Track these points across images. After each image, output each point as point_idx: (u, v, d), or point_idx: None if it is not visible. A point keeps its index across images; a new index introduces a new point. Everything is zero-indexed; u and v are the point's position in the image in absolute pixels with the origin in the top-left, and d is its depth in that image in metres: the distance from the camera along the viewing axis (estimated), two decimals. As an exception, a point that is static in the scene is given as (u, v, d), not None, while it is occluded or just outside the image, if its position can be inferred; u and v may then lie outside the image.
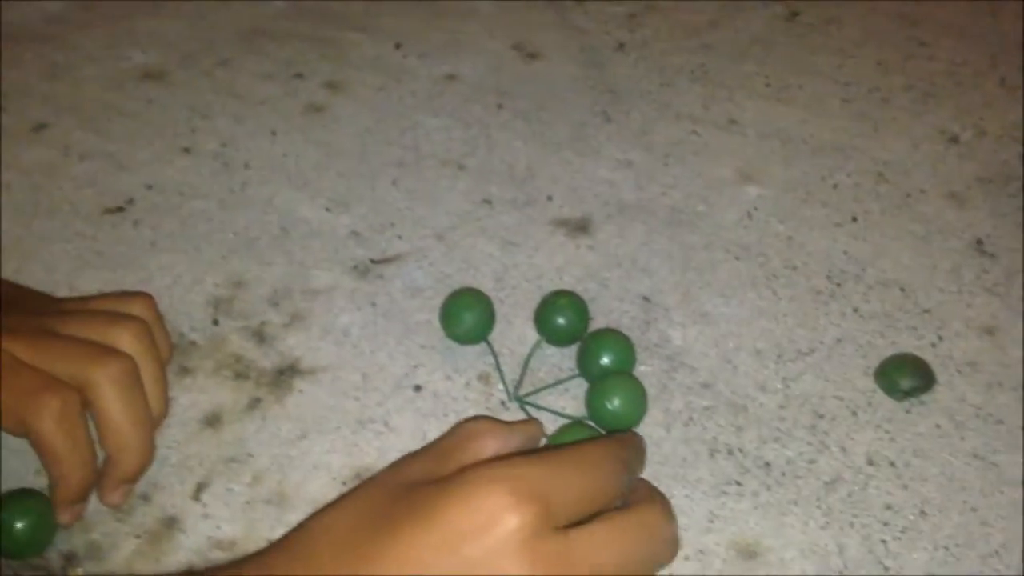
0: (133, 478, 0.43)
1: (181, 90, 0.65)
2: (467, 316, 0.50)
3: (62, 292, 0.52)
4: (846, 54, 0.70)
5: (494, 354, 0.50)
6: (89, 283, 0.53)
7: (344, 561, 0.33)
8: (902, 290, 0.54)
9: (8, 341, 0.41)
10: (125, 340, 0.43)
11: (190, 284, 0.53)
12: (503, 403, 0.48)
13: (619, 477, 0.36)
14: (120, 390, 0.42)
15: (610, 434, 0.45)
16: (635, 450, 0.39)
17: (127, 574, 0.41)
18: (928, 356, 0.50)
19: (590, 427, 0.46)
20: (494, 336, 0.51)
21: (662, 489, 0.44)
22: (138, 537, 0.42)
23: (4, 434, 0.43)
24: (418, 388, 0.49)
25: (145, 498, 0.43)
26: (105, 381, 0.41)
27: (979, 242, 0.57)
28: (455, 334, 0.50)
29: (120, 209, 0.57)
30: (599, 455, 0.36)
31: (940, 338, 0.52)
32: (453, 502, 0.32)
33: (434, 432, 0.47)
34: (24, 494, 0.42)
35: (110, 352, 0.42)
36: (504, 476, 0.33)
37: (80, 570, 0.40)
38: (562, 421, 0.47)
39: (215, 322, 0.51)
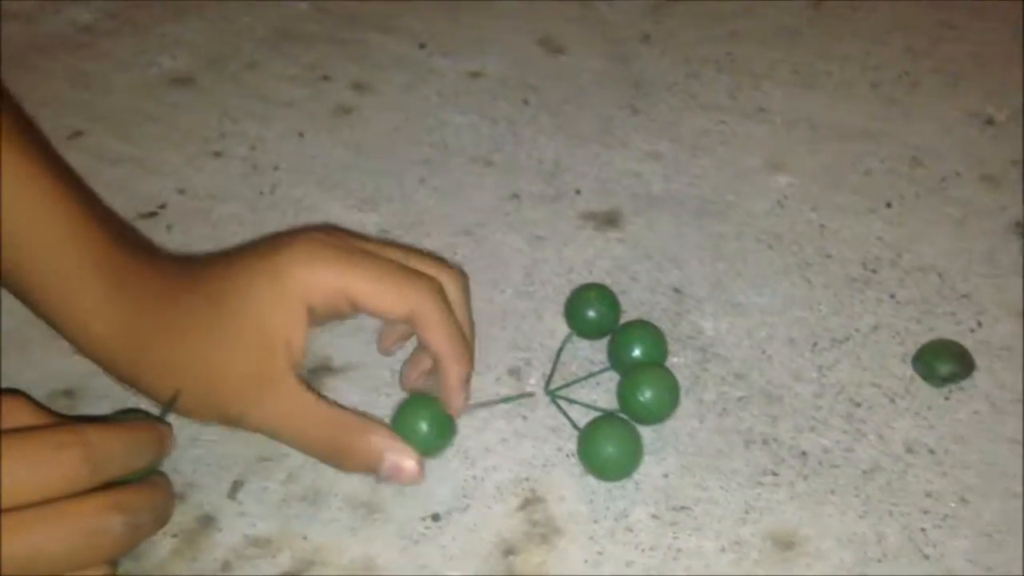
0: (469, 377, 0.45)
1: (209, 94, 0.65)
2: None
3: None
4: (874, 39, 0.69)
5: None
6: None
7: None
8: (939, 275, 0.53)
9: (361, 242, 0.45)
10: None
11: (222, 286, 0.53)
12: (533, 396, 0.48)
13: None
14: (462, 289, 0.46)
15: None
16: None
17: (164, 574, 0.41)
18: (967, 342, 0.49)
19: (622, 420, 0.45)
20: (524, 331, 0.51)
21: (696, 480, 0.44)
22: (175, 536, 0.42)
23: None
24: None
25: (181, 497, 0.44)
26: (450, 279, 0.45)
27: (1017, 225, 0.56)
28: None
29: (153, 214, 0.57)
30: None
31: (979, 323, 0.51)
32: None
33: (464, 426, 0.47)
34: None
35: (446, 263, 0.47)
36: None
37: (119, 570, 0.41)
38: (594, 414, 0.47)
39: (247, 323, 0.51)
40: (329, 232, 0.45)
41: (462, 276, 0.47)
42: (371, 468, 0.42)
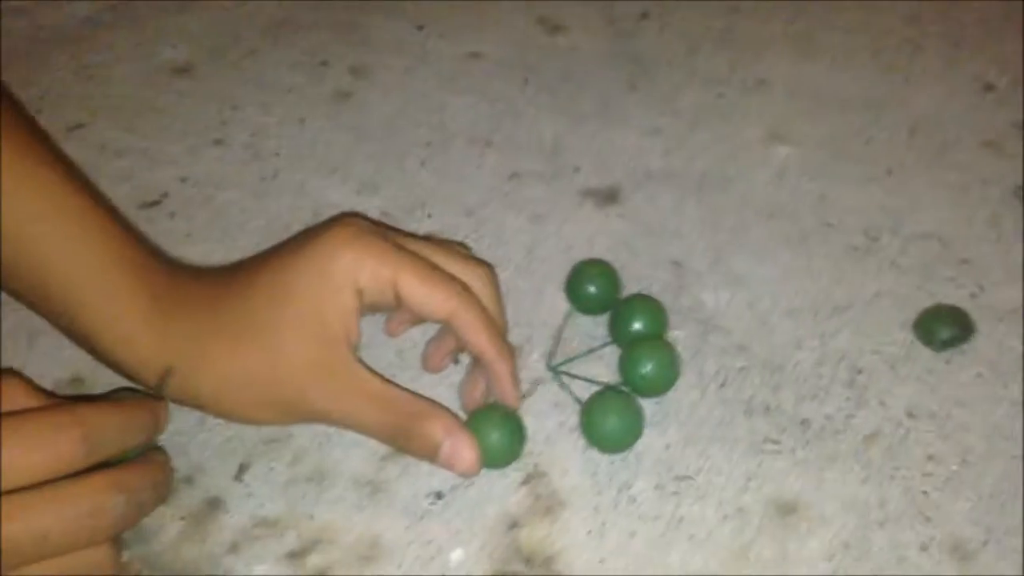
0: (515, 368, 0.45)
1: (210, 83, 0.66)
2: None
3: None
4: (875, 8, 0.68)
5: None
6: (128, 276, 0.53)
7: None
8: (940, 242, 0.53)
9: (395, 235, 0.45)
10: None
11: (226, 272, 0.54)
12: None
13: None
14: (493, 285, 0.46)
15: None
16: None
17: (173, 557, 0.42)
18: (968, 306, 0.49)
19: (624, 392, 0.46)
20: (526, 308, 0.51)
21: (698, 450, 0.45)
22: (183, 519, 0.43)
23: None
24: (455, 361, 0.49)
25: (189, 481, 0.44)
26: (481, 274, 0.45)
27: (1017, 189, 0.56)
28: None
29: (156, 203, 0.58)
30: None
31: (981, 288, 0.51)
32: None
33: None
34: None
35: (475, 259, 0.47)
36: None
37: (126, 554, 0.41)
38: (596, 389, 0.47)
39: (251, 308, 0.52)
40: (363, 220, 0.45)
41: (491, 271, 0.46)
42: (430, 455, 0.42)
